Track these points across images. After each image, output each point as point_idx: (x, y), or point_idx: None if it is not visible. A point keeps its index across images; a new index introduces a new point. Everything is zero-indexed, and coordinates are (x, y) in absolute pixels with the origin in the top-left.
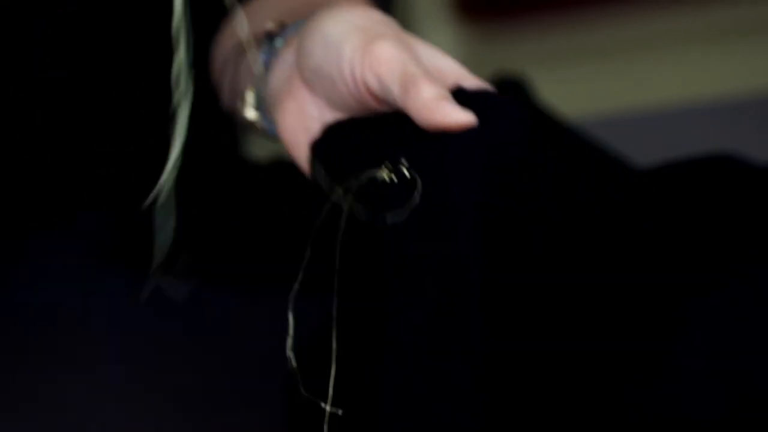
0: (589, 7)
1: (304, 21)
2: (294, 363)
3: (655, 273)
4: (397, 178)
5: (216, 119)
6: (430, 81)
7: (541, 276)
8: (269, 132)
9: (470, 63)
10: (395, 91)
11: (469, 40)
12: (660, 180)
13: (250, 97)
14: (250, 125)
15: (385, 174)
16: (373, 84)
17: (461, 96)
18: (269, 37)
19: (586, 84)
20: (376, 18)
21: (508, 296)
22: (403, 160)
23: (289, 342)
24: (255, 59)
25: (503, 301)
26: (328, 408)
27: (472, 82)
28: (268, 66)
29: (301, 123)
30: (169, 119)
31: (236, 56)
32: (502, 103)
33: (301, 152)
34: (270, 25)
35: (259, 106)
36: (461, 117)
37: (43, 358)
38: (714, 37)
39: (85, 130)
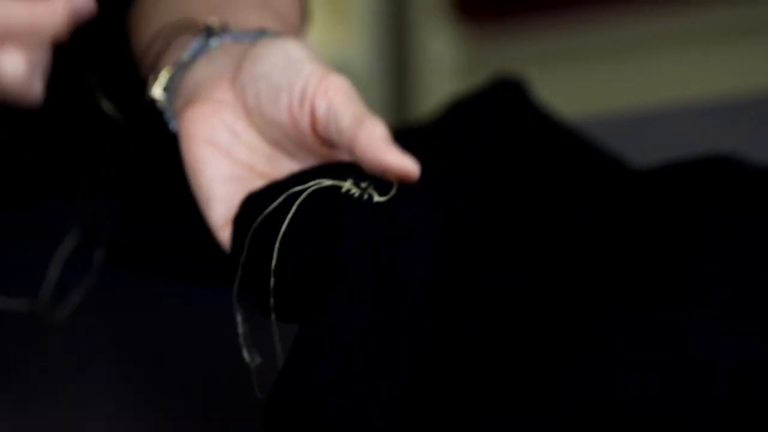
0: (588, 7)
1: (247, 36)
2: (248, 358)
3: (653, 269)
4: (359, 192)
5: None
6: (381, 123)
7: (543, 274)
8: (164, 117)
9: (469, 64)
10: (345, 121)
11: (468, 41)
12: (660, 180)
13: (164, 77)
14: (147, 101)
15: (348, 185)
16: (321, 109)
17: None
18: (207, 32)
19: (585, 84)
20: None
21: (501, 294)
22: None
23: (241, 338)
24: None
25: (496, 298)
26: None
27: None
28: (194, 58)
29: (206, 119)
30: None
31: (170, 34)
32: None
33: (192, 143)
34: (213, 21)
35: (167, 89)
36: (409, 163)
37: (36, 357)
38: (713, 38)
39: (76, 129)
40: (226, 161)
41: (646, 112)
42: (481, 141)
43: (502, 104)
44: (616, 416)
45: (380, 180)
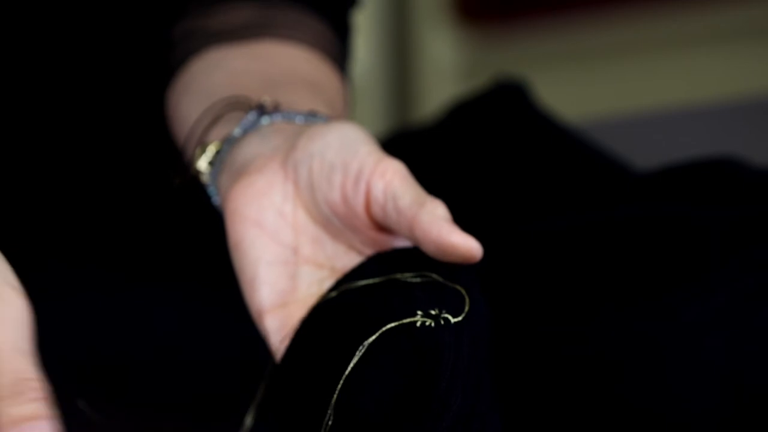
0: (589, 10)
1: (299, 117)
2: None
3: (655, 270)
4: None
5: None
6: (442, 204)
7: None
8: (207, 190)
9: (470, 67)
10: (406, 201)
11: (470, 43)
12: (661, 183)
13: (211, 150)
14: (192, 174)
15: (420, 318)
16: (378, 189)
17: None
18: (260, 109)
19: (586, 87)
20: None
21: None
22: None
23: None
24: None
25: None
26: None
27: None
28: (245, 133)
29: (255, 198)
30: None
31: (220, 109)
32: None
33: (238, 222)
34: (266, 99)
35: (213, 162)
36: (473, 243)
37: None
38: (715, 40)
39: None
40: (272, 244)
41: (647, 115)
42: (482, 143)
43: (503, 107)
44: (617, 415)
45: (450, 298)
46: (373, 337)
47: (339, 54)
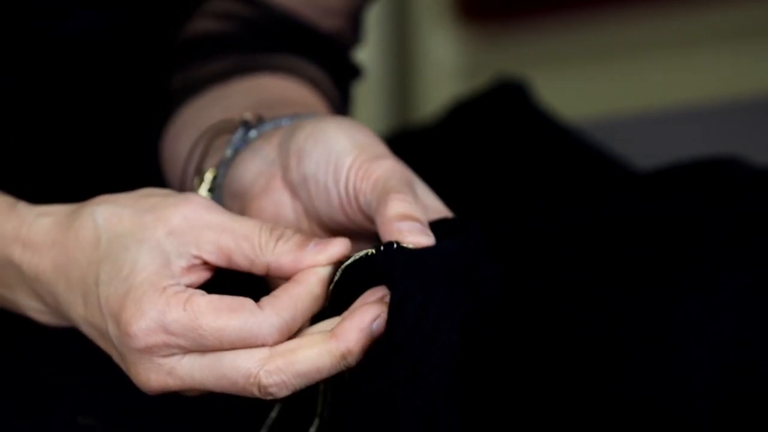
0: (591, 9)
1: (284, 120)
2: None
3: (654, 268)
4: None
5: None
6: (402, 199)
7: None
8: None
9: (471, 66)
10: (373, 206)
11: (471, 43)
12: (661, 182)
13: (208, 178)
14: None
15: (372, 250)
16: (362, 200)
17: (434, 226)
18: (245, 126)
19: (587, 87)
20: (373, 136)
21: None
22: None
23: None
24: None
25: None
26: None
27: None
28: (236, 153)
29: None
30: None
31: (210, 137)
32: (471, 228)
33: None
34: (247, 115)
35: (212, 188)
36: (420, 239)
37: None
38: (714, 40)
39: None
40: None
41: (648, 114)
42: (482, 143)
43: (503, 106)
44: (619, 403)
45: None
46: (337, 276)
47: (335, 98)
